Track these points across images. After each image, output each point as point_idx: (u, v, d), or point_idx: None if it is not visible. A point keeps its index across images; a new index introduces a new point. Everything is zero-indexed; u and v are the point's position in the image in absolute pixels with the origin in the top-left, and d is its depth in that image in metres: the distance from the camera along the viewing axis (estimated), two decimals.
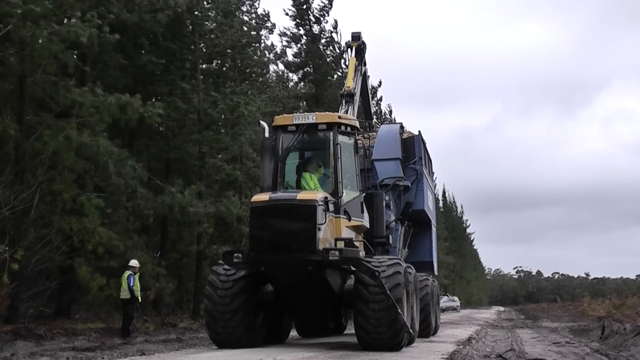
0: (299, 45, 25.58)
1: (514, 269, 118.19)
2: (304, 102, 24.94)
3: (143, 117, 12.43)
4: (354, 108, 10.51)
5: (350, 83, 11.00)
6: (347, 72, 11.77)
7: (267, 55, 22.90)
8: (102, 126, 11.58)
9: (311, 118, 8.16)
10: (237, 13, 18.10)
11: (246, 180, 16.68)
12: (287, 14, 24.92)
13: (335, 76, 26.22)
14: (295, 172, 8.58)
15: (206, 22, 16.54)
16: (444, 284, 48.74)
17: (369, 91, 13.57)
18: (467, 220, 71.33)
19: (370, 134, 11.09)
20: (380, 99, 40.71)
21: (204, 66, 16.94)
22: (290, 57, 25.68)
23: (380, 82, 38.88)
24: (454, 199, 70.16)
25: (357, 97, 11.05)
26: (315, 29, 25.29)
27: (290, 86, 24.07)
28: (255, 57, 18.91)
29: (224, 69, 18.20)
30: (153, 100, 13.78)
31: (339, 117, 8.31)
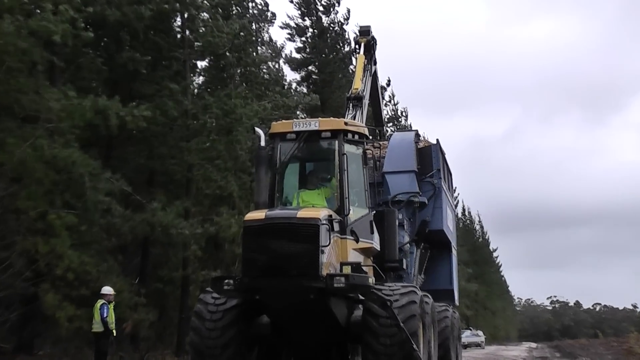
0: (303, 38, 25.40)
1: (547, 299, 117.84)
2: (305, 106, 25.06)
3: (125, 122, 12.53)
4: (362, 113, 10.58)
5: (359, 84, 11.11)
6: (354, 73, 11.90)
7: (267, 51, 22.94)
8: (74, 133, 11.68)
9: (313, 125, 8.21)
10: (233, 3, 18.37)
11: (242, 195, 16.85)
12: (291, 1, 24.65)
13: (344, 78, 26.33)
14: (298, 185, 8.65)
15: (198, 14, 16.68)
16: (467, 316, 48.73)
17: (380, 93, 13.66)
18: (490, 240, 71.64)
19: (381, 142, 11.16)
20: (393, 101, 41.04)
21: (198, 66, 17.48)
22: (291, 51, 25.45)
23: (389, 81, 39.16)
24: (479, 217, 70.48)
25: (366, 101, 11.14)
26: (324, 20, 24.96)
27: (292, 90, 24.10)
28: (255, 54, 19.16)
29: (220, 67, 18.46)
30: (136, 102, 13.79)
31: (346, 124, 8.35)
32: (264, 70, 21.38)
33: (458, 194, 43.87)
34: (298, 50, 25.86)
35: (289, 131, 8.29)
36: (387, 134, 13.25)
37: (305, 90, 25.13)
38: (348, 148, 8.23)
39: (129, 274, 15.74)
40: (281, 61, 25.74)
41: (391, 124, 40.94)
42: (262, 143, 8.20)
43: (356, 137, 8.42)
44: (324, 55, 26.15)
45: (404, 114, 42.69)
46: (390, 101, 40.72)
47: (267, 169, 8.18)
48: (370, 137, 9.35)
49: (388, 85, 39.06)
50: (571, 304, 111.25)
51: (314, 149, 8.53)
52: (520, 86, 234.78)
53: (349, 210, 7.87)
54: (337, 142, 8.14)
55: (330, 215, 7.46)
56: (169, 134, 16.34)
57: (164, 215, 14.08)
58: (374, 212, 8.70)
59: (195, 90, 16.73)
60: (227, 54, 17.33)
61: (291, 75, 26.66)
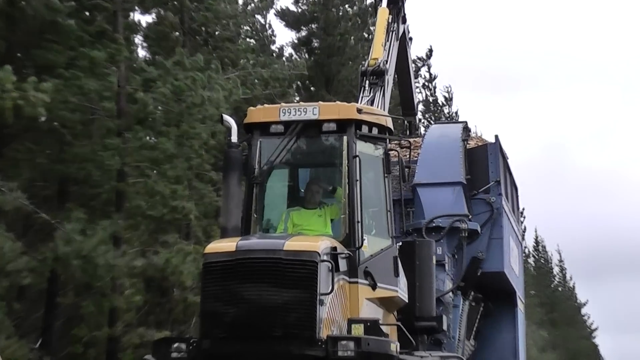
0: None
1: None
2: (299, 84, 25.02)
3: (19, 106, 12.63)
4: (384, 96, 10.66)
5: (379, 52, 11.25)
6: (373, 37, 12.13)
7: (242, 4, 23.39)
8: None
9: (311, 112, 8.35)
10: None
11: (201, 216, 16.99)
12: None
13: (359, 43, 26.24)
14: (288, 201, 8.87)
15: None
16: None
17: (411, 66, 13.66)
18: (576, 290, 70.98)
19: (412, 140, 11.13)
20: (432, 80, 41.30)
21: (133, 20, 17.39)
22: (285, 3, 25.21)
23: (430, 51, 39.39)
24: (559, 254, 69.70)
25: (389, 77, 11.26)
26: None
27: (285, 58, 24.32)
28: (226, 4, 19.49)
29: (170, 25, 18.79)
30: (38, 78, 13.79)
31: (359, 111, 8.44)
32: (235, 28, 21.59)
33: (524, 217, 43.71)
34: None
35: (274, 121, 8.39)
36: (421, 127, 13.41)
37: (304, 58, 25.33)
38: (362, 147, 8.33)
39: (27, 333, 15.64)
40: (271, 14, 26.36)
41: (428, 112, 41.21)
42: (234, 138, 8.31)
43: (374, 130, 8.51)
44: (333, 9, 26.07)
45: (447, 97, 43.02)
46: (429, 80, 41.01)
47: (241, 178, 8.28)
48: (396, 132, 9.51)
49: (428, 57, 39.34)
50: None
51: (312, 148, 8.66)
52: (620, 62, 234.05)
53: (362, 240, 7.96)
54: (345, 138, 8.24)
55: (334, 248, 7.53)
56: (89, 125, 16.38)
57: (83, 242, 14.10)
58: (400, 243, 8.79)
59: (127, 54, 16.60)
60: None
61: (285, 37, 26.47)
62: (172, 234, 16.56)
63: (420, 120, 34.01)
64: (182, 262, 15.56)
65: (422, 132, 17.98)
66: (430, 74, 41.19)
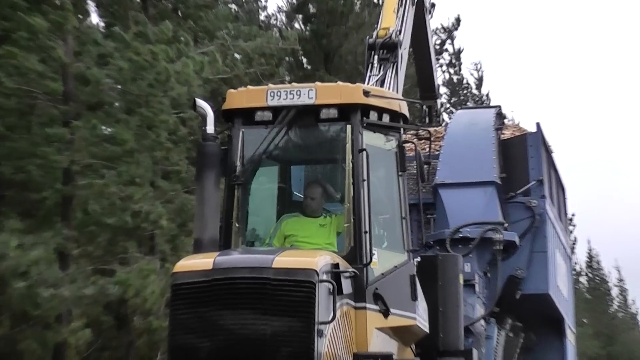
0: None
1: None
2: (291, 60, 24.85)
3: None
4: (397, 74, 10.63)
5: (391, 21, 11.32)
6: (383, 1, 12.09)
7: None
8: None
9: (306, 95, 8.36)
10: None
11: (170, 226, 16.89)
12: None
13: (365, 10, 26.24)
14: (278, 207, 8.97)
15: None
16: None
17: (432, 38, 13.68)
18: (637, 314, 70.44)
19: (432, 129, 11.12)
20: (458, 53, 41.24)
21: None
22: None
23: (457, 20, 39.34)
24: (618, 272, 69.07)
25: (404, 52, 11.27)
26: None
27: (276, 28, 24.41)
28: None
29: None
30: None
31: (366, 94, 8.39)
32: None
33: (574, 225, 43.53)
34: None
35: (260, 107, 8.45)
36: (444, 114, 13.52)
37: (298, 29, 25.47)
38: (371, 139, 8.39)
39: None
40: None
41: (453, 96, 41.11)
42: (210, 129, 8.35)
43: (385, 118, 8.56)
44: None
45: (477, 77, 43.03)
46: (454, 56, 40.92)
47: (219, 178, 8.34)
48: (413, 120, 9.79)
49: (454, 27, 39.20)
50: None
51: (307, 140, 8.76)
52: None
53: (371, 255, 7.98)
54: (349, 127, 8.28)
55: (336, 265, 7.55)
56: (29, 114, 16.39)
57: (21, 256, 14.06)
58: (419, 259, 8.87)
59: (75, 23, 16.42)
60: None
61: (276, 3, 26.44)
62: (132, 249, 16.55)
63: (442, 105, 34.52)
64: (145, 283, 15.45)
65: (446, 119, 18.41)
66: (456, 49, 41.23)
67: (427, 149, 9.38)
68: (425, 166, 9.10)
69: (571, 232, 35.08)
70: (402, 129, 8.73)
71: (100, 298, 15.43)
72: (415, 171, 9.11)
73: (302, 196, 8.77)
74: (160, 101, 16.07)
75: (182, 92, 15.88)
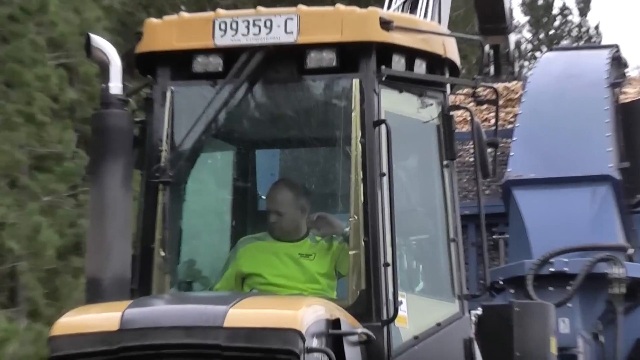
0: None
1: None
2: None
3: None
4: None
5: None
6: None
7: None
8: None
9: (281, 28, 6.77)
10: None
11: (43, 250, 15.41)
12: None
13: None
14: (231, 222, 7.71)
15: None
16: None
17: None
18: None
19: (502, 85, 10.64)
20: None
21: None
22: None
23: None
24: None
25: None
26: None
27: None
28: None
29: None
30: None
31: (385, 24, 6.69)
32: None
33: None
34: None
35: (203, 48, 6.82)
36: (521, 62, 12.79)
37: None
38: (395, 104, 6.81)
39: None
40: None
41: (537, 28, 38.50)
42: (115, 87, 6.65)
43: (420, 66, 6.87)
44: None
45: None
46: None
47: (131, 171, 6.75)
48: (467, 70, 9.06)
49: None
50: None
51: (285, 105, 7.35)
52: None
53: (397, 304, 6.38)
54: (357, 83, 6.62)
55: (335, 322, 5.97)
56: None
57: None
58: (479, 311, 7.35)
59: None
60: None
61: None
62: None
63: (520, 44, 31.56)
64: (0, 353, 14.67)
65: (526, 69, 16.93)
66: None
67: (494, 122, 7.92)
68: (490, 150, 7.49)
69: None
70: (448, 86, 7.25)
71: None
72: (472, 159, 7.86)
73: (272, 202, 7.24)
74: (33, 41, 14.24)
75: (66, 30, 14.01)
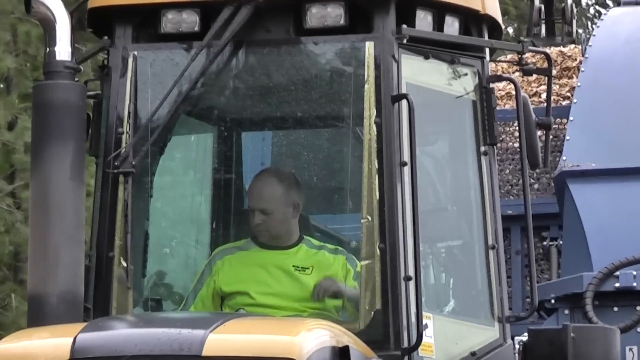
0: None
1: None
2: None
3: None
4: None
5: None
6: None
7: None
8: None
9: None
10: None
11: None
12: None
13: None
14: (210, 223, 7.40)
15: None
16: None
17: None
18: None
19: (556, 50, 10.13)
20: None
21: None
22: None
23: None
24: None
25: None
26: None
27: None
28: None
29: None
30: None
31: None
32: None
33: None
34: None
35: (174, 0, 6.46)
36: (579, 22, 12.01)
37: None
38: (420, 73, 6.42)
39: None
40: None
41: None
42: (64, 51, 6.22)
43: (452, 25, 6.47)
44: None
45: None
46: None
47: (83, 158, 6.27)
48: (511, 32, 9.45)
49: None
50: None
51: (278, 75, 6.80)
52: None
53: (421, 328, 6.09)
54: (370, 45, 6.28)
55: (344, 351, 5.54)
56: None
57: None
58: (525, 337, 6.81)
59: None
60: None
61: None
62: None
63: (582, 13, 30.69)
64: None
65: (585, 30, 16.20)
66: None
67: (544, 96, 7.39)
68: (540, 133, 6.94)
69: None
70: (488, 51, 6.70)
71: None
72: (517, 144, 8.16)
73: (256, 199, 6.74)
74: None
75: None
